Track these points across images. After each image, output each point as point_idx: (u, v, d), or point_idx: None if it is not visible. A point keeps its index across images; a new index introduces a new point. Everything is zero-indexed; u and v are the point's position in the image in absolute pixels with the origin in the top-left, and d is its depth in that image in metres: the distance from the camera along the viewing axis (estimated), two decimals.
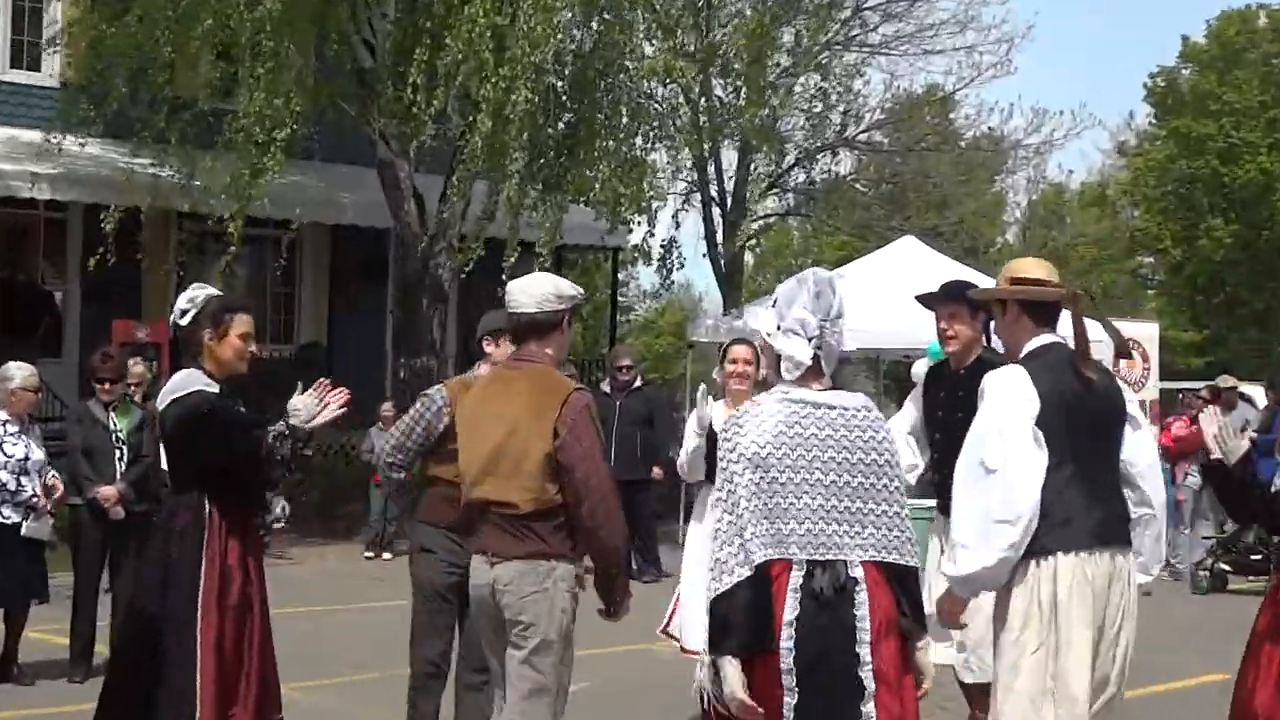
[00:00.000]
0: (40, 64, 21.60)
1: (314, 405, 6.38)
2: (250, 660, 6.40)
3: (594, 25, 20.62)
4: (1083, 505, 5.24)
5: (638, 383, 17.73)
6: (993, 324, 6.65)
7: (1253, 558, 16.55)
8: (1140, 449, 5.70)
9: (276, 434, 6.33)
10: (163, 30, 18.46)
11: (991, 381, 5.38)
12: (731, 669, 4.66)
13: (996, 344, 6.86)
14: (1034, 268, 5.91)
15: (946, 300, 7.82)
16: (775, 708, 4.71)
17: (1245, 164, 40.97)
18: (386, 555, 17.80)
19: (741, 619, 4.67)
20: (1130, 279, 49.33)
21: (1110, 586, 5.24)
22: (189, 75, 19.52)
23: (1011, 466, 5.17)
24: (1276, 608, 6.47)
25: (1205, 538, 16.99)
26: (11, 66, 21.38)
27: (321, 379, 6.66)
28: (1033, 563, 5.17)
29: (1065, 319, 5.71)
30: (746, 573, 4.68)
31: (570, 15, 19.80)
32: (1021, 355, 5.54)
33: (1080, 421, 5.36)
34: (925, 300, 8.13)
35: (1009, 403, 5.28)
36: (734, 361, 7.47)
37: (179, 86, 19.44)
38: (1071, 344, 5.55)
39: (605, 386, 17.51)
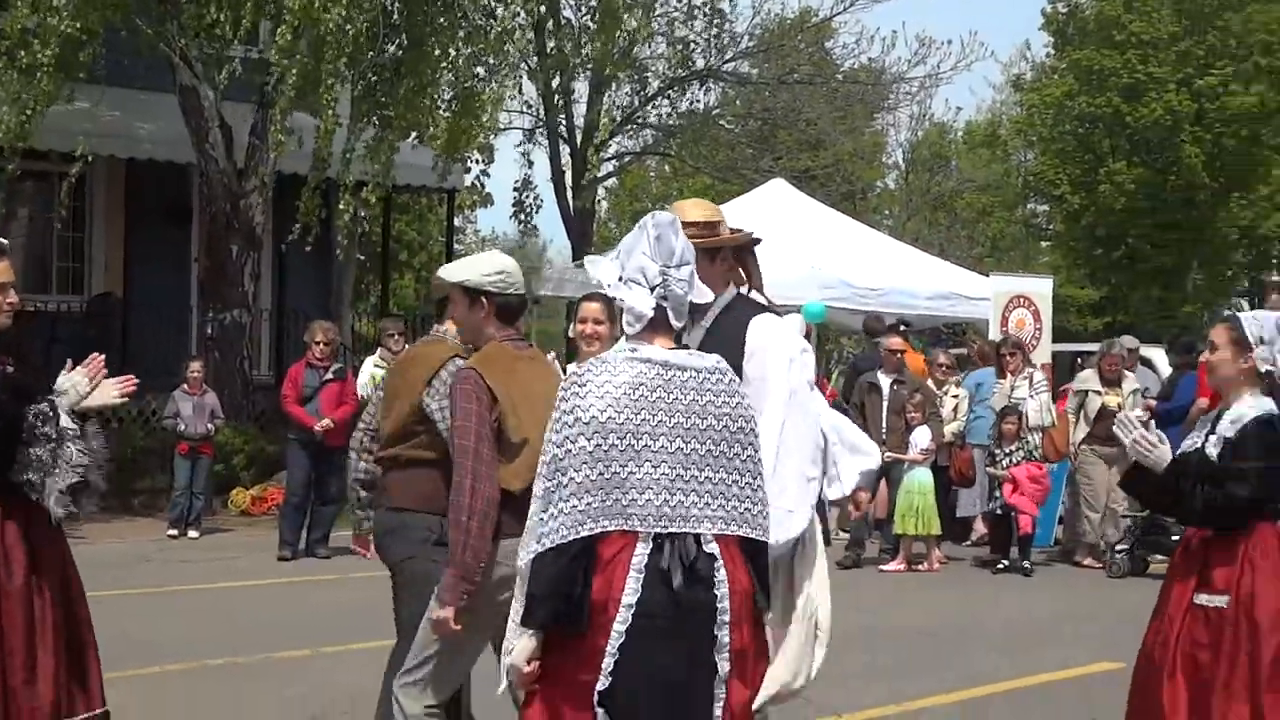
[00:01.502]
0: None
1: (84, 384, 5.91)
2: (38, 662, 6.08)
3: None
4: None
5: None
6: None
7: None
8: None
9: (38, 412, 5.87)
10: None
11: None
12: (527, 641, 4.56)
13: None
14: (700, 209, 5.94)
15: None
16: (582, 694, 4.51)
17: (1151, 102, 37.99)
18: (193, 534, 16.76)
19: (554, 590, 4.51)
20: (1022, 229, 48.31)
21: None
22: None
23: None
24: (1177, 574, 6.56)
25: (1124, 516, 16.14)
26: None
27: (96, 354, 6.00)
28: None
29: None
30: (570, 538, 4.51)
31: None
32: (727, 301, 5.70)
33: None
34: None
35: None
36: (583, 321, 7.02)
37: None
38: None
39: None
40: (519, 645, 4.59)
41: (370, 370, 16.19)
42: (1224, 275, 42.02)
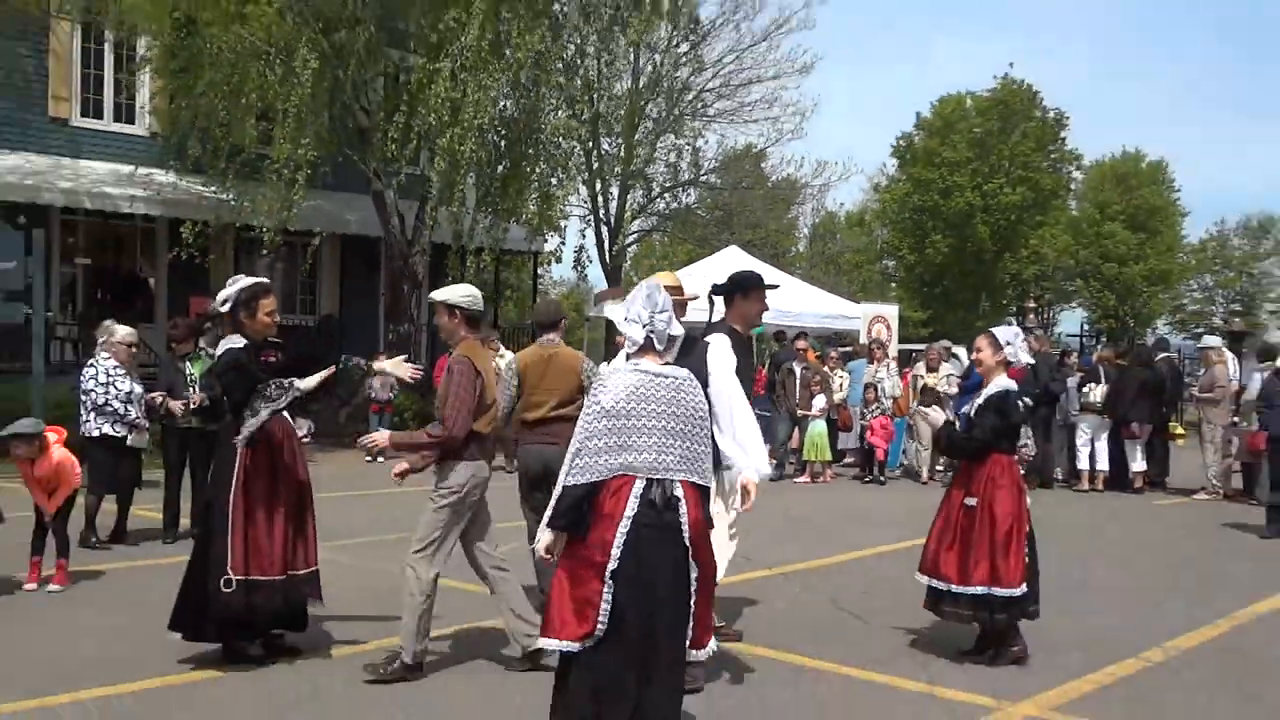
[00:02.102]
0: (135, 119, 22.23)
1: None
2: (275, 528, 6.88)
3: (519, 100, 21.28)
4: None
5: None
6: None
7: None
8: None
9: (278, 384, 6.86)
10: (221, 98, 19.23)
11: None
12: (548, 535, 5.09)
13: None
14: (668, 278, 6.81)
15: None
16: (596, 569, 4.97)
17: (956, 199, 43.90)
18: (381, 459, 15.56)
19: (572, 508, 4.97)
20: (880, 276, 52.01)
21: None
22: (239, 129, 19.53)
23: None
24: (954, 485, 7.55)
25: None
26: (114, 120, 22.07)
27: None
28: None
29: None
30: (589, 479, 4.97)
31: (502, 92, 20.38)
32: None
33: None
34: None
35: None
36: None
37: (233, 137, 19.62)
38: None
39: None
40: (544, 537, 5.14)
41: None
42: (1001, 304, 46.37)
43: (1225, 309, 57.28)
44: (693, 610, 5.02)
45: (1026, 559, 7.12)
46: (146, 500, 11.33)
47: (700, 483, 5.08)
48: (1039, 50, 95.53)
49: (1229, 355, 16.98)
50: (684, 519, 4.99)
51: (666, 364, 5.19)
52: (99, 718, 5.90)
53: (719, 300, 6.97)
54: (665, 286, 5.59)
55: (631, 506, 4.93)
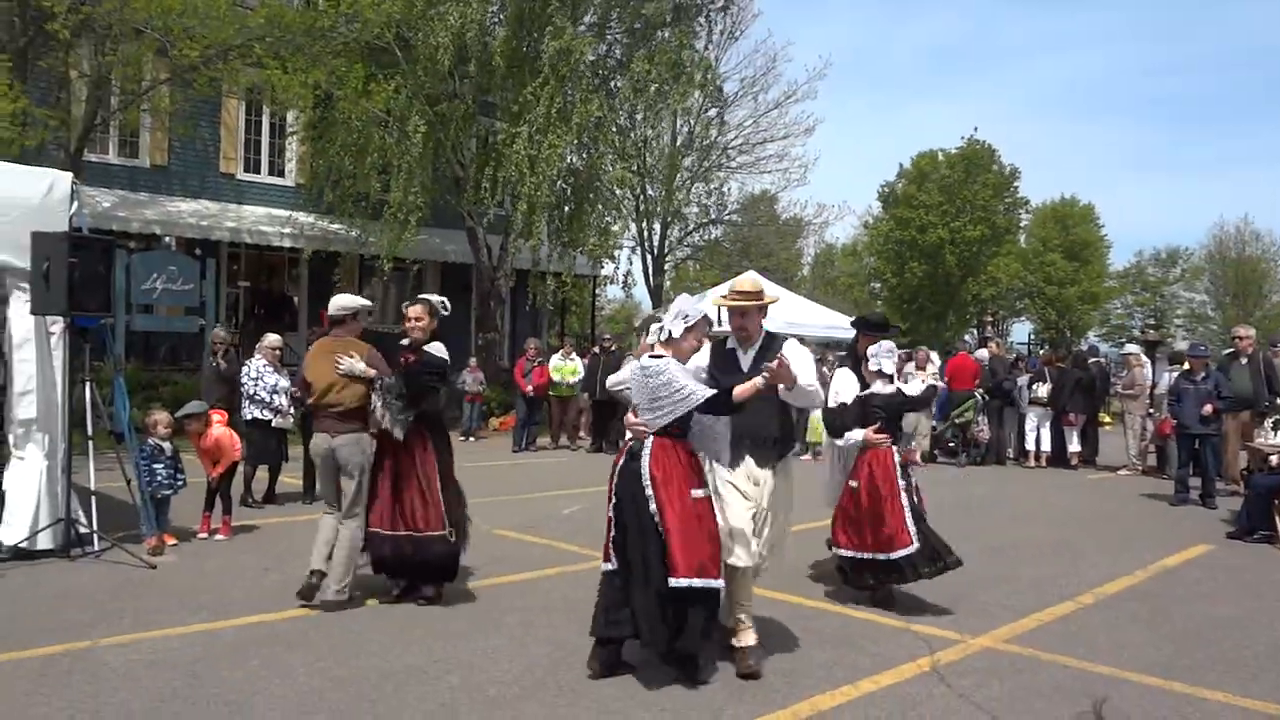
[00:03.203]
0: (284, 172, 22.41)
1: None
2: (407, 493, 6.72)
3: (584, 155, 21.37)
4: None
5: (614, 347, 18.06)
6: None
7: (950, 444, 17.33)
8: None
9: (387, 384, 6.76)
10: (350, 156, 19.62)
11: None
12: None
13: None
14: (745, 283, 5.89)
15: (868, 329, 7.62)
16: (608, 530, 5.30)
17: (930, 234, 43.63)
18: (471, 439, 18.15)
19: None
20: (868, 295, 51.22)
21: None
22: (364, 180, 19.84)
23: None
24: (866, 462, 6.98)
25: (923, 436, 16.63)
26: (269, 174, 22.24)
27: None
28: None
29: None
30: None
31: (568, 150, 20.26)
32: (765, 334, 5.72)
33: None
34: (857, 325, 7.82)
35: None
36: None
37: (358, 186, 19.99)
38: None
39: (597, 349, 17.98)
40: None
41: (555, 363, 17.84)
42: (965, 318, 45.55)
43: (1142, 323, 57.29)
44: (664, 539, 5.08)
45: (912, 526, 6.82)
46: (290, 470, 11.48)
47: (669, 439, 5.24)
48: (998, 116, 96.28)
49: (1145, 360, 16.98)
50: (644, 466, 5.17)
51: (657, 356, 5.31)
52: (254, 638, 5.98)
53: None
54: (744, 291, 5.69)
55: (621, 460, 5.30)
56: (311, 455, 6.90)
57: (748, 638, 5.56)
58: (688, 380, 5.23)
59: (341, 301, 6.97)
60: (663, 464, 5.18)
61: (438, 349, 6.77)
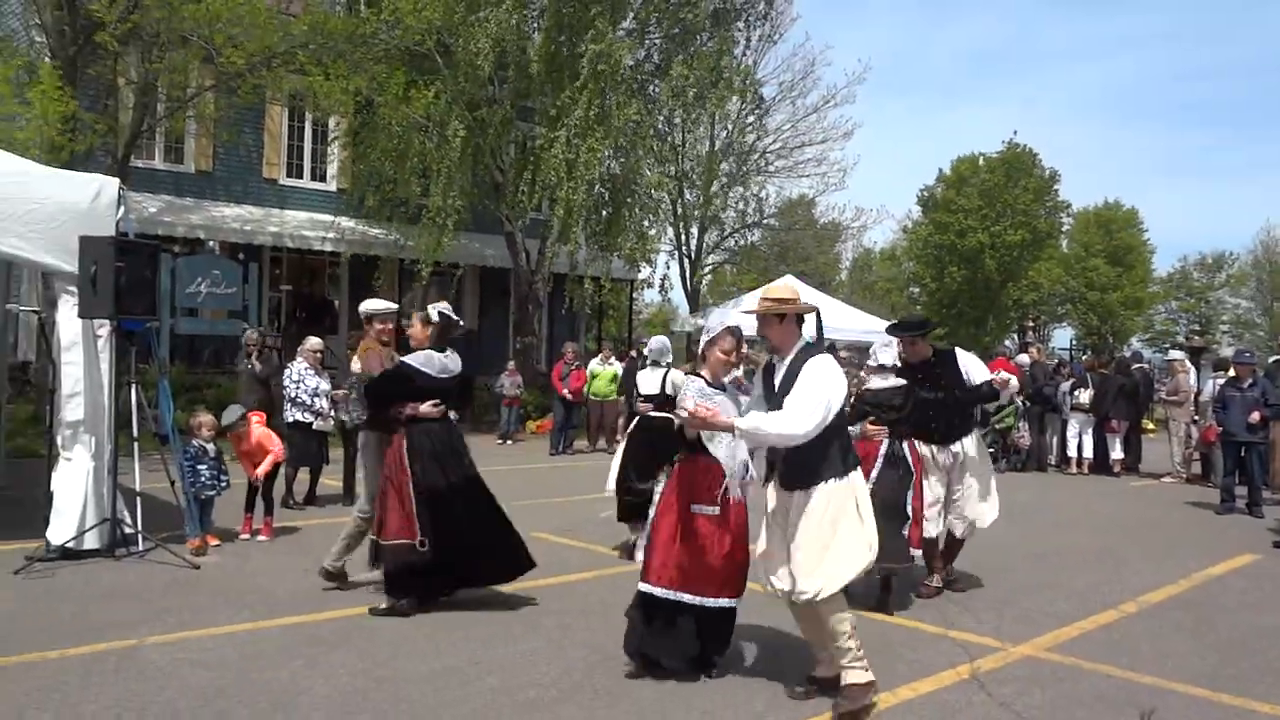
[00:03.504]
0: (326, 178, 22.56)
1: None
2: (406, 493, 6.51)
3: (620, 160, 21.17)
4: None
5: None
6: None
7: (990, 450, 17.39)
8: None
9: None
10: (390, 161, 19.78)
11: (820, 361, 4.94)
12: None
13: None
14: (775, 290, 5.22)
15: (912, 331, 7.62)
16: None
17: (969, 238, 42.85)
18: (509, 442, 18.18)
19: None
20: (907, 300, 50.45)
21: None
22: (404, 185, 20.07)
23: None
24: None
25: None
26: (311, 179, 22.39)
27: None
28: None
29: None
30: None
31: (606, 154, 20.05)
32: (799, 348, 5.03)
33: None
34: (892, 331, 7.70)
35: (837, 374, 4.91)
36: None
37: (399, 191, 20.27)
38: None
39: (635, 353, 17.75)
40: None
41: (593, 367, 17.72)
42: (1005, 324, 44.91)
43: (1187, 328, 56.56)
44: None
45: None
46: (331, 472, 11.53)
47: (697, 453, 5.32)
48: (1039, 120, 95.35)
49: (1190, 366, 16.88)
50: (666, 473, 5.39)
51: (692, 373, 5.51)
52: (297, 639, 6.03)
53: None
54: (765, 297, 5.15)
55: None
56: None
57: (839, 672, 5.02)
58: (683, 402, 5.16)
59: (363, 306, 7.41)
60: (681, 475, 5.27)
61: (418, 359, 6.71)
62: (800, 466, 4.98)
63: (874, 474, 6.70)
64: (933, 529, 7.31)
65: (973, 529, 7.47)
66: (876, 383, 7.07)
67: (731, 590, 5.30)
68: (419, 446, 6.49)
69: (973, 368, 7.35)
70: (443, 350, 6.79)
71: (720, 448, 5.29)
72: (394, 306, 7.59)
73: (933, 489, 7.29)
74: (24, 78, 15.83)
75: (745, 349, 5.65)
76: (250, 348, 11.55)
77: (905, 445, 7.04)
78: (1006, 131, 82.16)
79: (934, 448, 7.30)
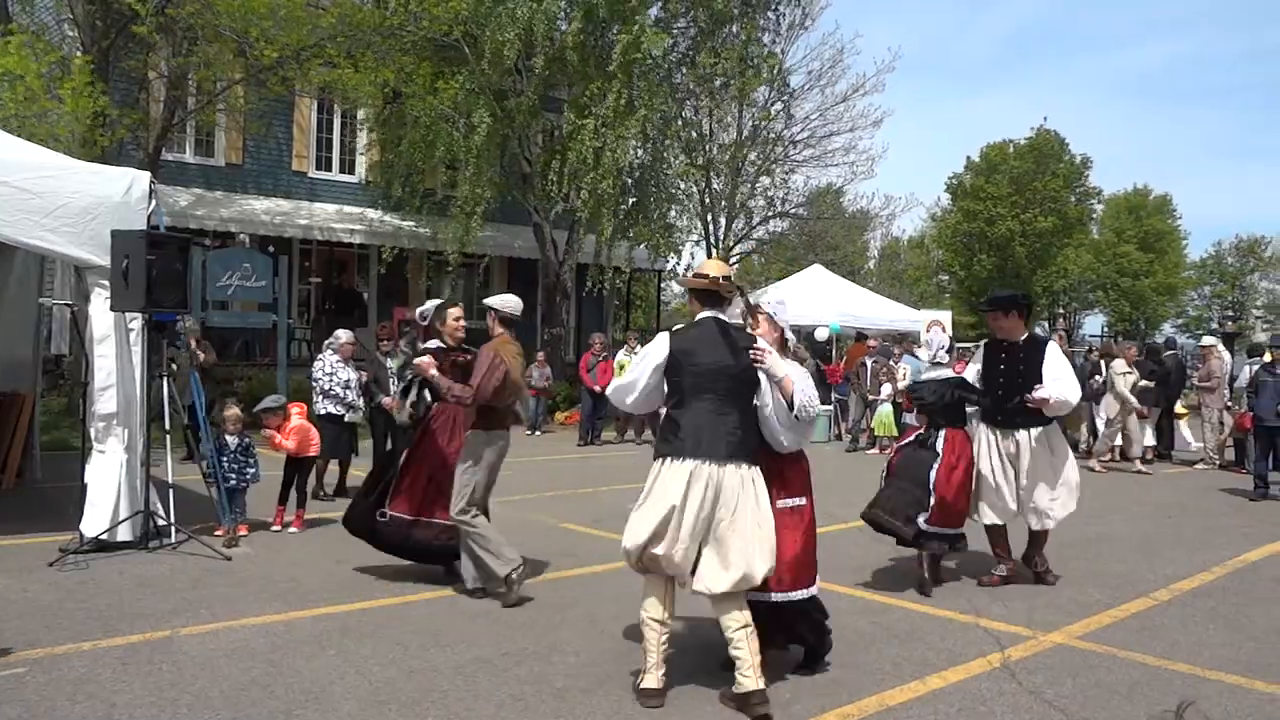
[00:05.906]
0: (354, 170, 22.61)
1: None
2: (425, 478, 7.01)
3: (647, 149, 20.92)
4: (692, 428, 4.71)
5: None
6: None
7: None
8: (763, 396, 4.95)
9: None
10: (417, 152, 19.81)
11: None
12: None
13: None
14: (712, 267, 5.05)
15: (994, 308, 7.53)
16: None
17: (998, 226, 43.38)
18: (539, 432, 18.35)
19: None
20: (936, 288, 51.03)
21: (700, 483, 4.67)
22: (431, 176, 20.43)
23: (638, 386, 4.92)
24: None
25: None
26: (339, 172, 22.45)
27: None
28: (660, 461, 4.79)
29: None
30: None
31: (634, 144, 19.91)
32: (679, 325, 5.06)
33: (702, 372, 4.79)
34: (980, 308, 7.58)
35: (647, 350, 4.94)
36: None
37: (426, 182, 20.56)
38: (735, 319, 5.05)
39: None
40: None
41: (620, 358, 17.26)
42: (1035, 311, 43.41)
43: (1220, 314, 55.99)
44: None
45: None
46: (360, 464, 11.43)
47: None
48: (1068, 106, 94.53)
49: (1223, 351, 16.67)
50: None
51: None
52: (328, 629, 6.04)
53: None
54: (703, 275, 4.98)
55: None
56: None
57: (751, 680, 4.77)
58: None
59: (496, 302, 7.15)
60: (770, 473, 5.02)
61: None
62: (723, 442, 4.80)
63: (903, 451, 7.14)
64: (992, 516, 7.33)
65: (1044, 520, 7.33)
66: (929, 374, 7.22)
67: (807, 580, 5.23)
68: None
69: (1054, 368, 7.04)
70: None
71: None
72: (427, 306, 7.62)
73: (995, 475, 7.23)
74: (56, 72, 15.90)
75: (790, 341, 5.45)
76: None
77: (942, 434, 7.13)
78: (1035, 118, 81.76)
79: (998, 434, 7.24)
